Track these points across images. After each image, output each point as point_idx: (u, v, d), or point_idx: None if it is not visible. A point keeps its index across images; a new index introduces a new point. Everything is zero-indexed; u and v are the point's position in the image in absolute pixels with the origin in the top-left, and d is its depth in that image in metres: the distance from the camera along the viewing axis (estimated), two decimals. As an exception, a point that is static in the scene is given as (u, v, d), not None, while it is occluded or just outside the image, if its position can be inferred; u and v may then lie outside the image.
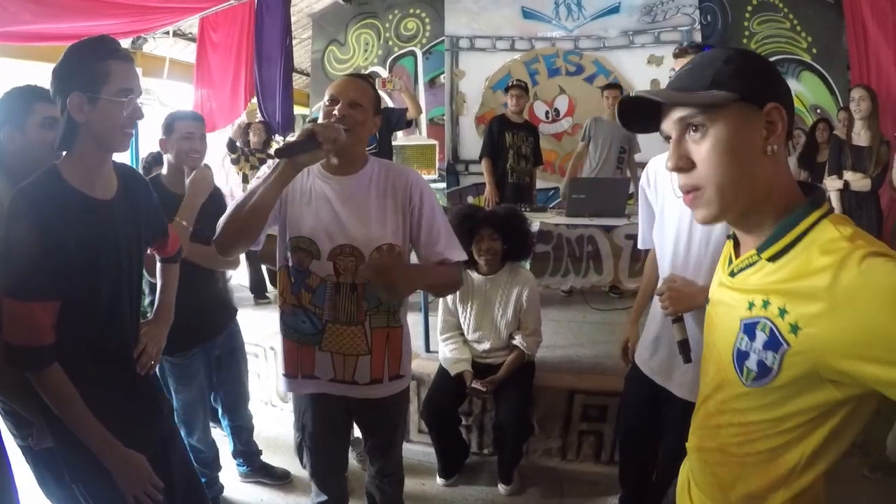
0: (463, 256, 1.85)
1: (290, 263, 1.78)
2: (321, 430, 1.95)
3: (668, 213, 1.95)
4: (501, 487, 2.89)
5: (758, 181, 0.90)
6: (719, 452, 1.03)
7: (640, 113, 0.98)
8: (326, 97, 1.74)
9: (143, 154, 3.94)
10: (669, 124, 0.95)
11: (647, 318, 2.14)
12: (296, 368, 1.84)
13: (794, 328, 0.84)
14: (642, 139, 4.87)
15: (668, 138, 0.97)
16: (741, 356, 0.94)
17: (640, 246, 2.25)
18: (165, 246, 1.91)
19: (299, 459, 2.01)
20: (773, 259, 0.90)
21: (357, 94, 1.72)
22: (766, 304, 0.89)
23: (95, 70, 1.39)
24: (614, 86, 5.12)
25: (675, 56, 1.94)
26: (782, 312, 0.85)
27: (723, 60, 0.91)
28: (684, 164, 0.93)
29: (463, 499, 2.86)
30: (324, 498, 2.03)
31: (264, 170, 1.70)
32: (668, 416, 2.02)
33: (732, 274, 0.99)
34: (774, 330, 0.87)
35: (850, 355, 0.78)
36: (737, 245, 1.03)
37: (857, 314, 0.77)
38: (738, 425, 0.98)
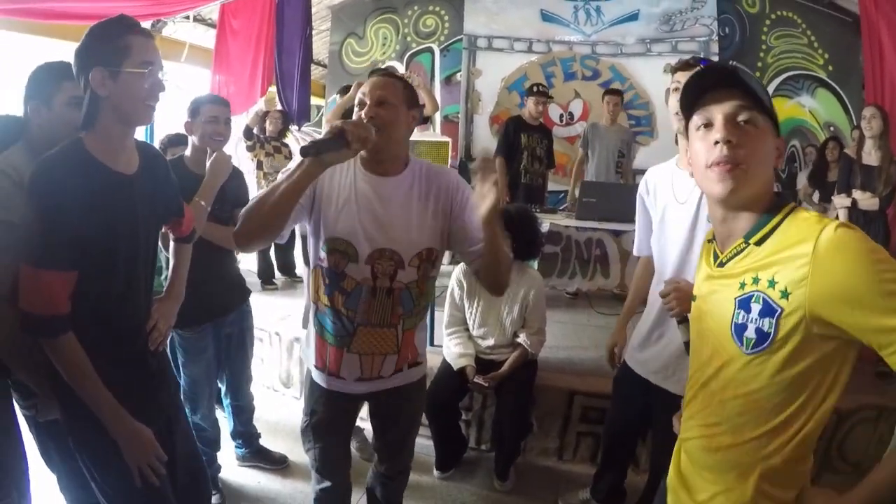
0: None
1: (326, 265, 1.71)
2: (332, 420, 1.93)
3: (670, 218, 2.03)
4: (497, 483, 2.91)
5: (767, 179, 1.11)
6: (727, 425, 1.14)
7: (694, 94, 1.14)
8: (356, 100, 1.69)
9: (159, 134, 3.96)
10: (726, 107, 1.09)
11: (638, 321, 2.23)
12: (324, 363, 1.81)
13: (785, 293, 1.01)
14: (642, 150, 4.91)
15: (706, 125, 1.11)
16: (740, 329, 1.08)
17: (635, 252, 2.36)
18: (180, 226, 1.93)
19: (304, 443, 1.99)
20: (759, 243, 1.08)
21: (384, 91, 1.66)
22: (755, 280, 1.06)
23: (116, 45, 1.42)
24: (616, 91, 5.16)
25: (681, 69, 1.98)
26: (772, 283, 1.03)
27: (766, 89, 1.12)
28: (737, 138, 1.07)
29: (458, 492, 2.88)
30: (327, 484, 1.98)
31: (291, 164, 1.68)
32: (659, 413, 2.10)
33: (721, 264, 1.15)
34: (767, 299, 1.03)
35: (833, 304, 0.97)
36: (714, 243, 1.23)
37: (835, 271, 0.96)
38: (742, 396, 1.10)
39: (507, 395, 2.84)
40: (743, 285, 1.08)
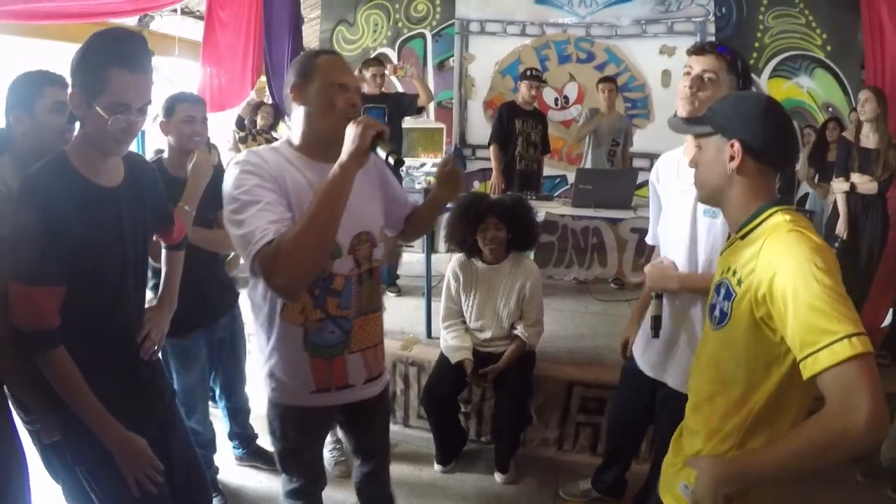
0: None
1: None
2: (312, 439, 1.90)
3: (674, 208, 1.99)
4: (498, 476, 2.92)
5: (717, 188, 1.30)
6: (705, 396, 1.33)
7: None
8: (336, 80, 1.57)
9: (150, 135, 3.92)
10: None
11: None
12: (328, 382, 1.71)
13: (739, 282, 1.20)
14: (639, 133, 4.92)
15: None
16: (712, 308, 1.31)
17: (648, 241, 2.31)
18: (171, 234, 1.91)
19: (281, 467, 1.90)
20: (743, 237, 1.26)
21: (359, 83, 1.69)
22: (728, 269, 1.26)
23: (96, 75, 1.37)
24: (608, 79, 5.19)
25: (696, 54, 1.83)
26: (734, 272, 1.23)
27: (721, 101, 1.32)
28: (693, 164, 1.37)
29: (459, 485, 2.88)
30: (311, 489, 1.94)
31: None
32: (662, 408, 2.09)
33: (721, 253, 1.37)
34: (729, 285, 1.24)
35: (766, 295, 1.12)
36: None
37: (771, 267, 1.12)
38: (714, 366, 1.31)
39: (505, 387, 2.84)
40: (723, 272, 1.29)
